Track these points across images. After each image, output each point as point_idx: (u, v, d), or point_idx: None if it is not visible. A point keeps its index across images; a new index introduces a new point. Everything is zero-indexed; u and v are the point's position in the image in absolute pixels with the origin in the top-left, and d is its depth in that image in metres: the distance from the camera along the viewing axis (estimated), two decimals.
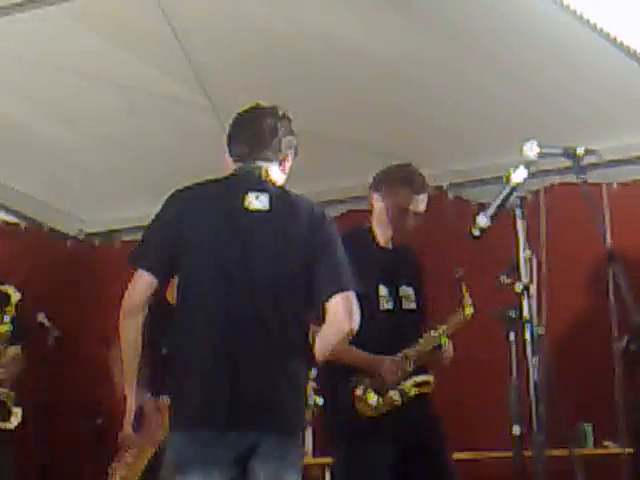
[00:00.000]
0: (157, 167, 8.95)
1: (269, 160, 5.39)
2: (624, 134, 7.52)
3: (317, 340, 5.29)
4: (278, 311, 5.11)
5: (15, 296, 7.13)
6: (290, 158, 5.58)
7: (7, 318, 7.08)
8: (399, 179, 6.42)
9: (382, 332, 6.23)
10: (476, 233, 5.17)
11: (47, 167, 9.19)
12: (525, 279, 5.06)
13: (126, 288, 5.70)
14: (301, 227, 5.24)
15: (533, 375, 4.99)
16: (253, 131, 5.42)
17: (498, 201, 5.24)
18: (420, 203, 6.42)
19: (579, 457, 5.90)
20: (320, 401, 6.42)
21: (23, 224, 9.59)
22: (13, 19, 7.18)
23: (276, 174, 5.45)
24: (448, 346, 6.32)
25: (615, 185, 7.89)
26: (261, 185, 5.24)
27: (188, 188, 5.35)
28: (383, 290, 6.33)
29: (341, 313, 5.15)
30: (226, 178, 5.44)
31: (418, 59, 7.36)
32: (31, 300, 7.51)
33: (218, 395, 5.00)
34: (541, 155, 4.95)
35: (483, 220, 5.18)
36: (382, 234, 6.46)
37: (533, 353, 4.99)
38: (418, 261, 6.62)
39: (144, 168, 8.98)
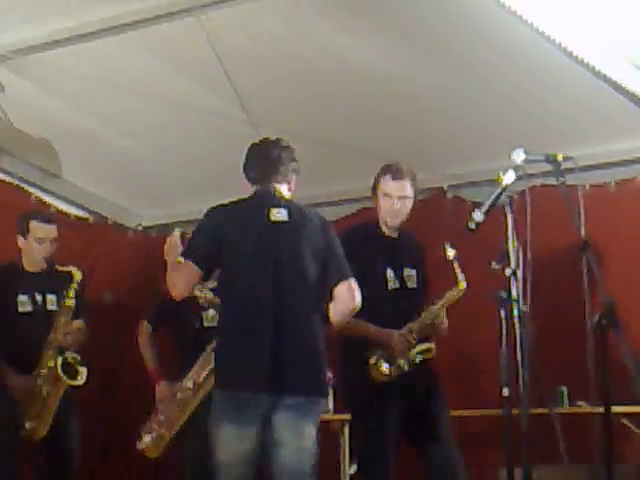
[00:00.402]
0: (201, 171, 8.97)
1: (279, 182, 5.99)
2: (594, 143, 7.54)
3: (330, 316, 5.79)
4: (297, 295, 5.71)
5: (77, 275, 7.07)
6: (294, 179, 6.13)
7: (72, 294, 7.04)
8: (381, 171, 6.60)
9: (390, 308, 6.36)
10: (472, 226, 5.32)
11: (112, 171, 9.27)
12: (513, 265, 5.20)
13: None
14: (314, 232, 5.85)
15: (519, 345, 5.11)
16: (264, 160, 6.04)
17: (491, 200, 5.36)
18: (399, 188, 6.50)
19: (557, 415, 5.93)
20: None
21: (92, 218, 9.62)
22: (90, 46, 7.31)
23: (285, 192, 6.03)
24: (444, 319, 6.38)
25: (588, 187, 7.92)
26: (279, 202, 5.86)
27: (223, 205, 5.98)
28: (390, 273, 6.42)
29: (346, 295, 5.75)
30: (251, 197, 6.04)
31: (420, 80, 7.40)
32: (99, 281, 7.52)
33: (258, 362, 5.53)
34: (526, 161, 5.07)
35: (478, 215, 5.32)
36: (385, 225, 6.55)
37: (519, 327, 5.11)
38: (419, 245, 6.69)
39: (191, 172, 9.00)
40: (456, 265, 6.11)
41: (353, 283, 5.83)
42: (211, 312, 7.76)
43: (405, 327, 6.26)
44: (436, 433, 6.34)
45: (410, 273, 6.52)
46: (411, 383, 6.27)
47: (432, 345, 6.34)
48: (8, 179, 9.02)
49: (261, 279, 5.70)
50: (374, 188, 6.65)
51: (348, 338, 6.35)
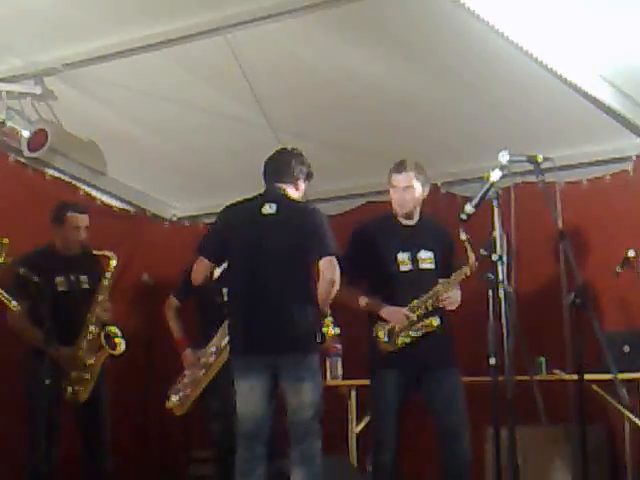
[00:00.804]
0: (226, 169, 8.98)
1: (284, 183, 6.36)
2: (569, 146, 7.54)
3: (319, 287, 6.10)
4: (284, 271, 6.11)
5: (113, 259, 7.12)
6: (301, 182, 6.48)
7: (109, 275, 7.10)
8: (390, 169, 6.55)
9: (402, 287, 6.33)
10: (464, 217, 5.37)
11: (150, 168, 9.30)
12: (499, 252, 5.21)
13: None
14: (297, 220, 6.20)
15: (504, 321, 5.12)
16: (274, 165, 6.43)
17: (480, 195, 5.38)
18: (403, 179, 6.48)
19: (537, 381, 5.94)
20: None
21: (132, 210, 9.64)
22: (131, 60, 7.33)
23: (291, 192, 6.39)
24: (454, 294, 6.35)
25: (564, 184, 7.92)
26: (273, 198, 6.29)
27: (233, 204, 6.49)
28: (402, 255, 6.39)
29: (327, 267, 6.03)
30: (257, 195, 6.42)
31: (418, 90, 7.40)
32: (138, 264, 7.53)
33: (250, 331, 6.10)
34: (510, 161, 5.10)
35: (469, 208, 5.36)
36: (400, 215, 6.51)
37: (504, 305, 5.12)
38: (441, 230, 6.60)
39: (217, 170, 9.01)
40: (468, 246, 6.08)
41: (334, 259, 6.11)
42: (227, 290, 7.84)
43: (408, 305, 6.24)
44: (438, 399, 6.31)
45: (425, 255, 6.45)
46: (415, 354, 6.24)
47: (434, 321, 6.26)
48: (60, 176, 9.07)
49: (246, 263, 6.21)
50: (388, 181, 6.60)
51: (370, 313, 6.42)
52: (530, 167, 5.13)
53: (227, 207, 6.53)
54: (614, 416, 7.38)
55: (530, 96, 7.10)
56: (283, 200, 6.26)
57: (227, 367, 7.48)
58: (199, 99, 7.83)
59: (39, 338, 6.69)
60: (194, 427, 8.35)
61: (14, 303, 6.30)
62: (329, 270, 6.05)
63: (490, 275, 5.13)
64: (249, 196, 6.44)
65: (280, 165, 6.40)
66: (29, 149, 8.24)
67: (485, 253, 5.20)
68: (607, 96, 7.09)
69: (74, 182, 9.16)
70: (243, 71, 7.25)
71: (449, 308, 6.32)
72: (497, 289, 5.10)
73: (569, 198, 7.69)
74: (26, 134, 8.13)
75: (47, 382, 6.28)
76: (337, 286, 6.11)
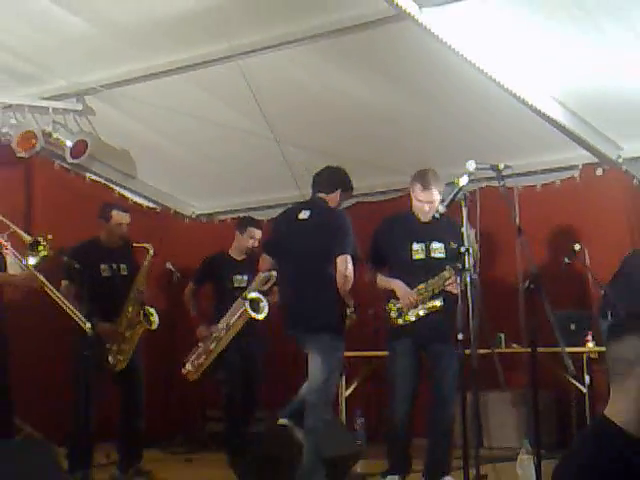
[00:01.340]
0: (238, 175, 8.98)
1: (323, 192, 6.36)
2: (525, 157, 7.57)
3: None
4: (310, 266, 6.17)
5: (151, 250, 7.06)
6: (337, 191, 6.41)
7: (146, 263, 7.05)
8: (415, 177, 6.30)
9: (416, 272, 6.24)
10: (437, 216, 5.39)
11: (173, 173, 9.30)
12: (466, 245, 5.19)
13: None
14: (325, 224, 6.21)
15: (471, 303, 5.11)
16: (318, 178, 6.43)
17: (450, 197, 5.37)
18: (427, 196, 6.23)
19: (497, 354, 5.94)
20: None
21: (158, 208, 9.65)
22: (159, 82, 7.38)
23: (329, 199, 6.36)
24: (454, 280, 6.06)
25: (521, 188, 7.94)
26: (310, 205, 6.38)
27: (284, 211, 6.72)
28: (415, 246, 6.29)
29: (340, 265, 6.05)
30: (301, 203, 6.64)
31: (400, 110, 7.41)
32: (163, 254, 7.51)
33: (286, 312, 6.40)
34: (476, 169, 5.08)
35: (441, 208, 5.38)
36: (418, 213, 6.33)
37: (471, 290, 5.10)
38: (451, 224, 6.15)
39: (230, 175, 8.99)
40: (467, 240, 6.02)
41: (348, 257, 6.11)
42: (238, 277, 8.03)
43: (416, 288, 6.20)
44: (436, 369, 6.27)
45: (436, 246, 6.32)
46: (421, 328, 6.19)
47: (437, 303, 6.17)
48: (98, 179, 9.11)
49: (285, 259, 6.39)
50: (415, 186, 6.34)
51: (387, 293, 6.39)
52: (493, 174, 5.13)
53: (280, 213, 6.82)
54: (561, 383, 7.39)
55: (493, 114, 7.10)
56: (317, 207, 6.32)
57: (236, 340, 7.77)
58: (215, 115, 7.80)
59: (78, 312, 6.70)
60: (210, 391, 8.34)
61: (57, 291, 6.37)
62: (342, 266, 6.07)
63: (459, 265, 5.10)
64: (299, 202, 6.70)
65: (321, 179, 6.43)
66: (72, 156, 8.25)
67: (454, 246, 5.18)
68: (558, 114, 7.09)
69: (109, 184, 9.19)
70: (252, 92, 7.20)
71: (454, 292, 6.24)
72: (464, 276, 5.08)
73: (525, 200, 7.66)
74: (69, 144, 8.14)
75: (85, 353, 6.30)
76: (349, 280, 6.15)
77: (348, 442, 6.93)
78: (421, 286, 6.19)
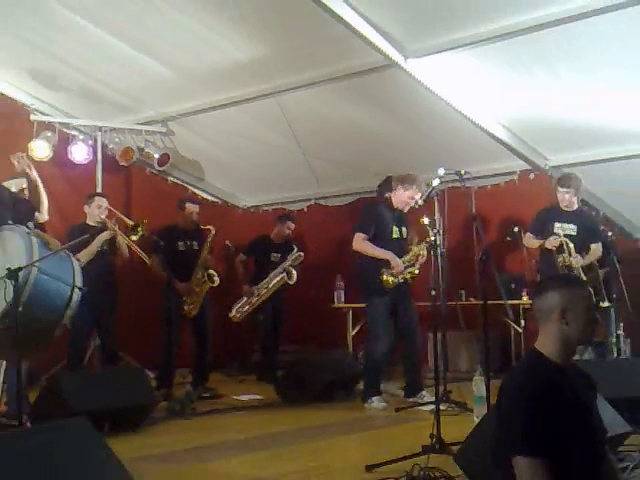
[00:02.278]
0: (276, 177, 8.88)
1: (389, 191, 6.24)
2: (479, 165, 7.44)
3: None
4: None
5: (213, 230, 6.99)
6: (397, 190, 6.16)
7: (209, 240, 6.98)
8: (401, 179, 6.18)
9: (394, 247, 6.11)
10: (416, 206, 5.33)
11: (230, 176, 9.22)
12: (437, 227, 5.19)
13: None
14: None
15: (440, 269, 5.11)
16: (384, 183, 6.64)
17: (426, 194, 5.35)
18: (411, 196, 6.10)
19: (459, 305, 5.90)
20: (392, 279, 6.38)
21: (219, 202, 9.58)
22: (220, 112, 7.41)
23: (393, 198, 6.19)
24: (424, 253, 6.07)
25: (477, 188, 7.84)
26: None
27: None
28: (395, 229, 6.17)
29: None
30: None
31: (389, 131, 7.34)
32: (222, 236, 7.47)
33: None
34: (445, 174, 5.01)
35: (420, 202, 5.35)
36: (399, 205, 6.18)
37: (440, 260, 5.10)
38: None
39: (270, 177, 8.92)
40: (429, 228, 5.95)
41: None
42: (275, 254, 8.07)
43: (402, 259, 6.07)
44: (406, 315, 6.21)
45: (405, 230, 6.25)
46: (400, 288, 6.10)
47: (416, 270, 6.10)
48: (176, 181, 9.08)
49: None
50: (403, 184, 6.19)
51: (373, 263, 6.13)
52: (456, 177, 5.06)
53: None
54: (504, 325, 7.39)
55: (457, 135, 7.04)
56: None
57: (272, 297, 7.91)
58: (259, 136, 7.78)
59: (165, 278, 6.79)
60: (253, 331, 8.40)
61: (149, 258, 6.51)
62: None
63: (431, 241, 5.10)
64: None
65: (386, 182, 6.55)
66: (158, 165, 8.30)
67: (430, 228, 5.17)
68: (503, 135, 7.07)
69: (185, 185, 9.15)
70: (286, 119, 7.24)
71: (422, 262, 6.17)
72: (436, 250, 5.06)
73: (480, 196, 7.57)
74: (156, 156, 8.19)
75: (169, 304, 6.48)
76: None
77: (354, 367, 6.93)
78: (406, 257, 6.11)
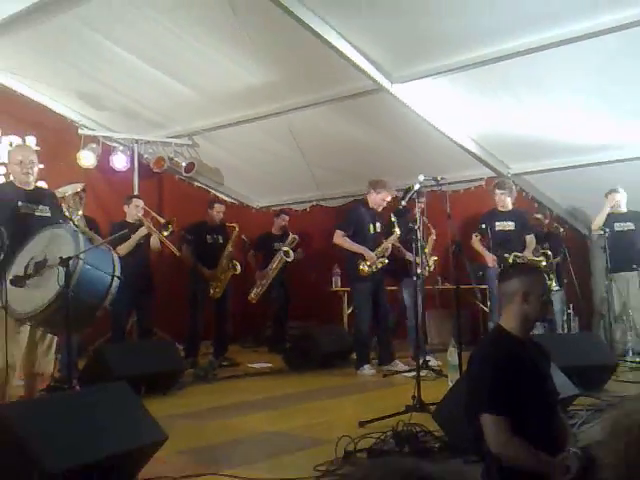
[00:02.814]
0: (284, 183, 8.80)
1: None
2: (453, 172, 7.36)
3: None
4: None
5: (236, 227, 7.05)
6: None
7: (233, 236, 7.01)
8: (375, 184, 6.20)
9: (371, 242, 6.08)
10: (400, 208, 5.29)
11: (245, 182, 9.15)
12: (418, 223, 5.17)
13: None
14: None
15: (421, 259, 5.09)
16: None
17: (409, 196, 5.34)
18: (387, 197, 6.18)
19: (437, 289, 5.88)
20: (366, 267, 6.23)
21: (237, 203, 9.49)
22: (236, 128, 7.38)
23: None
24: (390, 248, 6.14)
25: (451, 192, 7.62)
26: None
27: None
28: (371, 226, 6.15)
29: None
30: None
31: (378, 144, 7.29)
32: (240, 231, 7.37)
33: None
34: (424, 180, 5.02)
35: (403, 203, 5.31)
36: (374, 205, 6.18)
37: (420, 251, 5.09)
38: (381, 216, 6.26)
39: (279, 183, 8.86)
40: (395, 224, 5.91)
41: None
42: (276, 244, 8.01)
43: (375, 251, 6.07)
44: (379, 297, 6.16)
45: (378, 226, 6.19)
46: (375, 275, 6.08)
47: (386, 261, 6.08)
48: (201, 186, 9.03)
49: None
50: (375, 188, 6.20)
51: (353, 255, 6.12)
52: (434, 183, 5.06)
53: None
54: (474, 306, 7.38)
55: (434, 147, 7.00)
56: None
57: (277, 277, 7.89)
58: (270, 147, 7.75)
59: (192, 265, 6.78)
60: (265, 309, 8.37)
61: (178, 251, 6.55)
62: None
63: (414, 237, 5.07)
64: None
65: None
66: (185, 172, 8.28)
67: (411, 226, 5.14)
68: (473, 147, 7.05)
69: (208, 188, 9.10)
70: (292, 134, 7.25)
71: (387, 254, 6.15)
72: (417, 242, 5.05)
73: (453, 199, 7.26)
74: (184, 164, 8.18)
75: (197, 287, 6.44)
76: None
77: (349, 340, 6.92)
78: (378, 250, 6.07)
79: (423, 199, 5.87)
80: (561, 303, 6.87)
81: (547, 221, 7.28)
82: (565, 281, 6.87)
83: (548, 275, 6.26)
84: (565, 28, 4.93)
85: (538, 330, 6.31)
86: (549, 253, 6.56)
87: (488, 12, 4.90)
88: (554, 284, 6.54)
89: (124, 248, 5.97)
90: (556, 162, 7.12)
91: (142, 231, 6.24)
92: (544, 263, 6.31)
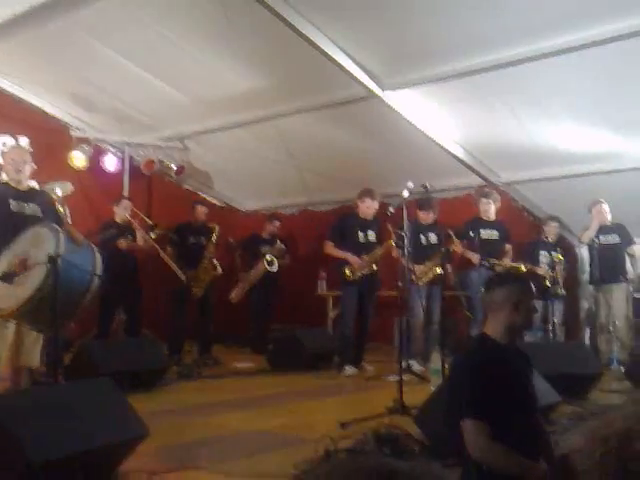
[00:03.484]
0: (272, 186, 8.75)
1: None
2: (442, 180, 7.27)
3: None
4: None
5: (216, 228, 6.96)
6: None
7: (215, 236, 6.92)
8: (363, 192, 6.24)
9: (359, 249, 6.10)
10: (389, 214, 5.22)
11: (233, 185, 9.08)
12: (405, 229, 5.09)
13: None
14: None
15: (407, 264, 5.10)
16: None
17: (397, 204, 5.30)
18: (372, 206, 6.21)
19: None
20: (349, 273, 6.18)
21: (225, 205, 9.42)
22: (227, 132, 7.36)
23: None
24: (382, 252, 6.12)
25: (439, 198, 7.61)
26: None
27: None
28: (360, 233, 6.17)
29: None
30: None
31: (367, 149, 7.28)
32: (226, 233, 7.35)
33: None
34: (413, 186, 4.97)
35: (391, 210, 5.25)
36: (362, 214, 6.23)
37: (407, 254, 5.09)
38: (380, 223, 6.21)
39: (268, 187, 8.81)
40: (392, 231, 5.89)
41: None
42: (264, 248, 7.98)
43: (361, 257, 6.07)
44: (364, 303, 6.19)
45: (371, 234, 6.21)
46: (363, 281, 6.09)
47: (374, 266, 6.09)
48: (190, 188, 8.99)
49: None
50: (360, 198, 6.26)
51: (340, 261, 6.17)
52: (423, 190, 5.04)
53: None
54: (460, 313, 7.34)
55: (424, 154, 6.98)
56: None
57: (260, 281, 7.84)
58: (259, 152, 7.72)
59: (176, 266, 6.73)
60: (248, 310, 8.29)
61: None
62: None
63: (400, 239, 5.05)
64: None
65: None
66: (175, 174, 8.29)
67: (399, 231, 5.11)
68: (463, 155, 7.06)
69: (197, 191, 9.05)
70: (282, 139, 7.27)
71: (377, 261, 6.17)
72: (403, 242, 5.00)
73: (442, 206, 7.37)
74: (174, 167, 8.18)
75: (179, 288, 6.41)
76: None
77: (332, 342, 6.87)
78: (366, 257, 6.08)
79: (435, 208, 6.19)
80: (555, 311, 6.78)
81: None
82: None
83: (555, 280, 6.30)
84: (557, 39, 4.97)
85: (535, 337, 6.24)
86: (561, 257, 6.48)
87: (481, 21, 4.94)
88: (560, 289, 6.45)
89: (123, 242, 6.28)
90: (547, 171, 7.12)
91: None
92: (524, 269, 6.29)
